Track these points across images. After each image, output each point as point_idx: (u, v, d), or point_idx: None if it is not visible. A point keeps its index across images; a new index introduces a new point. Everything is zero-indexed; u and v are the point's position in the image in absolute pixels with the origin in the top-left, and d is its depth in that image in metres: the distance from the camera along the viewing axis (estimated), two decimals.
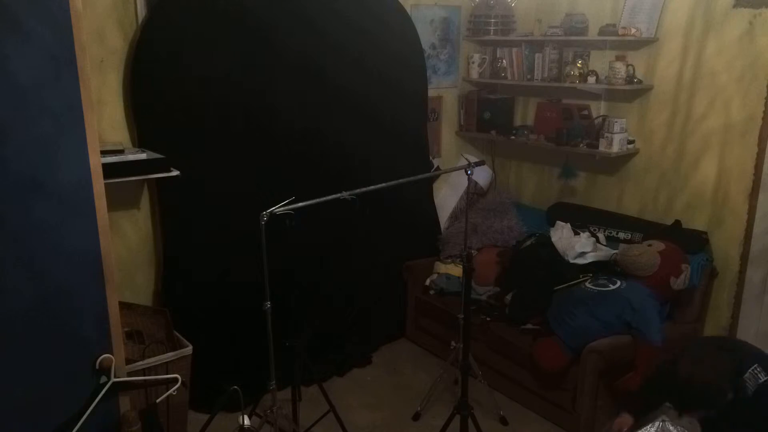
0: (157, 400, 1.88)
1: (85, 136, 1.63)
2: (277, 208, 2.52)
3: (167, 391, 1.90)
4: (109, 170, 2.25)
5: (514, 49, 4.04)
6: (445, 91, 4.29)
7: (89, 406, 1.68)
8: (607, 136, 3.54)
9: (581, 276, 3.37)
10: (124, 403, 1.86)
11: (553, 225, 3.80)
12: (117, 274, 1.84)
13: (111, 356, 1.72)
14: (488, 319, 3.51)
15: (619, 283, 3.19)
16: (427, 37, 4.06)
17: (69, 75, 1.58)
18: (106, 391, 1.71)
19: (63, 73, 1.57)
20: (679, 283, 3.13)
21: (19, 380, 1.62)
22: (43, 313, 1.63)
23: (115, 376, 1.73)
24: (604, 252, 3.52)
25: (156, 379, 1.95)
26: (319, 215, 3.14)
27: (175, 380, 1.81)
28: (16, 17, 1.46)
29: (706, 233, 3.38)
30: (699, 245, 3.34)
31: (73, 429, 1.63)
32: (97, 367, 1.72)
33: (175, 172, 2.90)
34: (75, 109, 1.61)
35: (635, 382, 2.91)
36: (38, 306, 1.62)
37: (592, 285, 3.26)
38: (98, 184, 1.71)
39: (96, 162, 1.68)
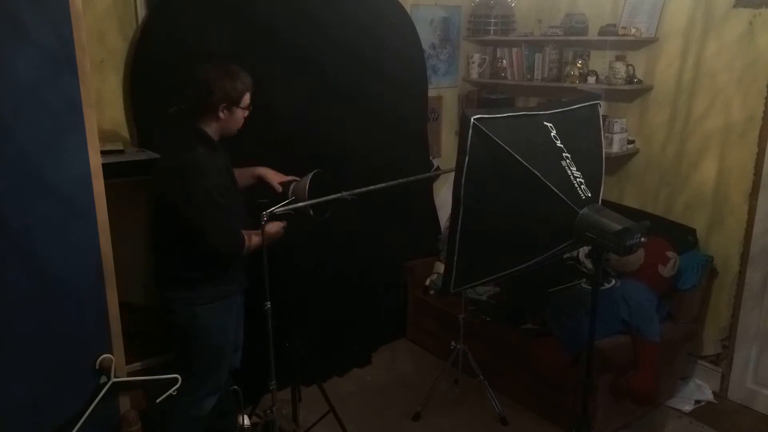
0: (157, 400, 1.88)
1: (86, 136, 1.63)
2: (277, 208, 2.52)
3: (167, 391, 1.90)
4: (109, 170, 2.24)
5: (514, 49, 4.05)
6: (445, 91, 4.29)
7: (89, 406, 1.68)
8: (607, 136, 3.54)
9: (575, 279, 3.38)
10: (124, 403, 1.86)
11: None
12: (117, 274, 1.84)
13: (111, 356, 1.72)
14: (488, 319, 3.52)
15: (614, 281, 3.20)
16: (427, 37, 4.06)
17: (69, 75, 1.58)
18: (106, 391, 1.71)
19: (63, 73, 1.57)
20: (668, 270, 3.15)
21: (18, 380, 1.62)
22: (42, 312, 1.63)
23: (115, 376, 1.73)
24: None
25: (156, 379, 1.95)
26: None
27: (175, 380, 1.81)
28: (16, 17, 1.46)
29: (694, 230, 3.40)
30: (686, 241, 3.36)
31: (73, 429, 1.63)
32: (97, 367, 1.72)
33: None
34: (75, 108, 1.61)
35: (644, 382, 2.92)
36: (38, 306, 1.62)
37: (588, 285, 3.26)
38: (98, 184, 1.71)
39: (96, 162, 1.68)
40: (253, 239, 2.40)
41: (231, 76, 2.33)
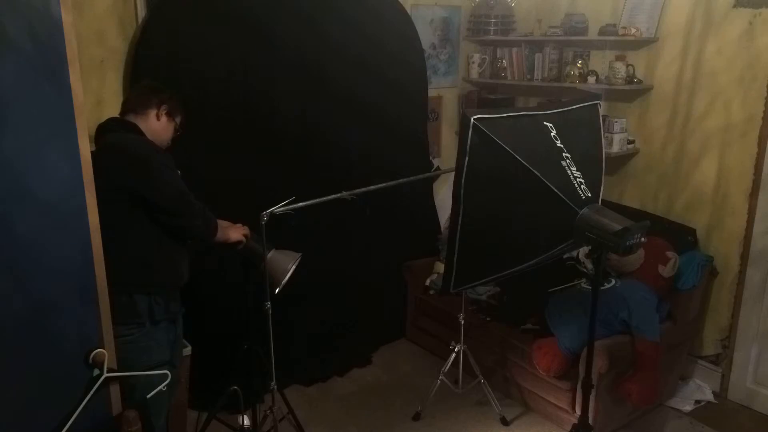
0: (148, 396, 1.90)
1: (78, 147, 1.60)
2: (277, 208, 2.53)
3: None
4: None
5: (514, 49, 4.05)
6: (445, 91, 4.30)
7: (82, 401, 1.68)
8: (607, 136, 3.54)
9: (575, 279, 3.38)
10: (116, 399, 1.85)
11: None
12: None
13: (104, 351, 1.72)
14: (488, 319, 3.52)
15: (614, 281, 3.20)
16: (427, 37, 4.06)
17: (59, 87, 1.56)
18: (99, 386, 1.70)
19: (52, 85, 1.54)
20: (668, 270, 3.16)
21: (12, 380, 1.60)
22: (32, 325, 1.60)
23: (107, 371, 1.73)
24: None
25: (146, 375, 1.98)
26: (319, 215, 3.14)
27: (165, 376, 1.83)
28: (3, 30, 1.44)
29: (694, 230, 3.40)
30: (686, 241, 3.36)
31: (67, 423, 1.63)
32: (90, 361, 1.71)
33: None
34: (65, 120, 1.58)
35: (644, 382, 2.91)
36: (26, 322, 1.59)
37: (588, 285, 3.26)
38: (91, 196, 1.67)
39: (88, 170, 1.65)
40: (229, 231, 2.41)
41: (175, 95, 2.38)
